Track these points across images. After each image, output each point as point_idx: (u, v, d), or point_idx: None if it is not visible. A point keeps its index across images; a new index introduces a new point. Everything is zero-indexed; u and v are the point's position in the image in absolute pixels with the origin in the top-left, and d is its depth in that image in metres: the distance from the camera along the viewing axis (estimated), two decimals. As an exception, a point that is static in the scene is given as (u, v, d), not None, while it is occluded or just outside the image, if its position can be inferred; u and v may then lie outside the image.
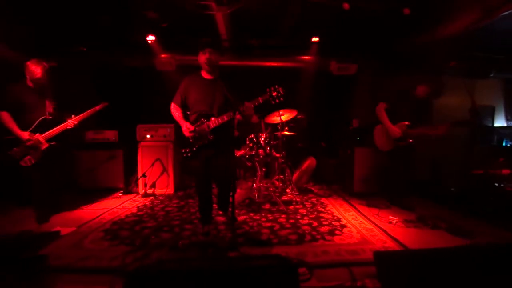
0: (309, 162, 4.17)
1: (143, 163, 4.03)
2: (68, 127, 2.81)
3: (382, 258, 1.76)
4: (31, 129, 2.67)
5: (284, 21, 3.80)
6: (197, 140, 2.44)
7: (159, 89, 5.01)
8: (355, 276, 1.79)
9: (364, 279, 1.77)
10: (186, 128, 2.45)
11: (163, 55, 4.51)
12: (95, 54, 4.46)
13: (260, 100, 2.32)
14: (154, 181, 4.03)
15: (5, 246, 2.23)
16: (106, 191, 4.03)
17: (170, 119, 4.15)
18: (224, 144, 2.45)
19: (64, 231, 2.58)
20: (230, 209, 2.53)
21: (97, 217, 3.03)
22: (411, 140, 3.14)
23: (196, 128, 2.42)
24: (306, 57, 4.67)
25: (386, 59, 4.57)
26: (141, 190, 3.96)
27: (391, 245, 2.32)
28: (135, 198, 3.83)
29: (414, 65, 4.10)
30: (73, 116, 2.87)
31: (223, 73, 2.58)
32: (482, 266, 1.65)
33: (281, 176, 3.78)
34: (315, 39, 4.27)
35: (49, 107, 2.78)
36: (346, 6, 3.12)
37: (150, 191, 3.98)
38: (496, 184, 3.37)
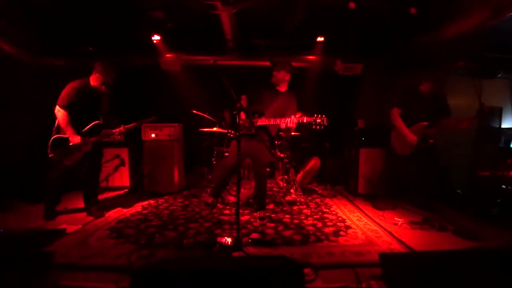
0: (314, 163, 4.16)
1: (148, 162, 4.05)
2: (117, 133, 3.01)
3: (388, 259, 1.75)
4: (84, 131, 2.80)
5: (289, 21, 3.79)
6: (244, 128, 2.84)
7: (164, 89, 5.05)
8: (360, 278, 1.77)
9: (369, 280, 1.75)
10: (242, 115, 2.83)
11: (168, 55, 4.53)
12: (101, 54, 4.50)
13: (305, 120, 2.58)
14: (158, 180, 4.05)
15: (12, 243, 2.25)
16: (111, 190, 4.06)
17: (175, 119, 4.21)
18: (263, 141, 2.84)
19: (70, 228, 2.60)
20: (260, 212, 2.95)
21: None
22: (431, 141, 3.06)
23: (247, 119, 2.80)
24: (311, 57, 4.65)
25: (393, 59, 4.53)
26: (146, 189, 3.98)
27: (396, 247, 2.30)
28: (140, 196, 3.85)
29: (421, 65, 4.05)
30: (122, 126, 3.05)
31: (227, 72, 2.62)
32: (489, 269, 1.63)
33: (285, 176, 3.77)
34: (320, 39, 4.25)
35: (103, 112, 2.94)
36: (352, 5, 3.10)
37: (155, 190, 4.00)
38: (504, 186, 3.33)
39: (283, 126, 2.71)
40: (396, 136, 3.34)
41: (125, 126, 3.06)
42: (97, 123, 2.87)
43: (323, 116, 2.53)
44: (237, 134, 2.47)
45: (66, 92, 2.71)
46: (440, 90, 3.19)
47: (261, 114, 2.79)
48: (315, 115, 2.54)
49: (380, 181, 3.66)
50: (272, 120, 2.74)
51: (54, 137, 2.74)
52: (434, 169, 3.16)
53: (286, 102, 2.89)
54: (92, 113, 2.87)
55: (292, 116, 2.63)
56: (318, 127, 2.53)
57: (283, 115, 2.74)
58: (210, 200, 2.97)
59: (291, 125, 2.64)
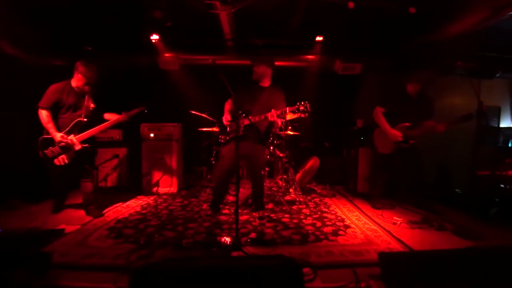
0: (313, 162, 4.16)
1: (147, 162, 4.04)
2: (120, 120, 3.06)
3: (387, 259, 1.75)
4: (66, 130, 2.81)
5: (288, 20, 3.79)
6: (232, 131, 2.80)
7: (162, 88, 5.05)
8: (360, 277, 1.77)
9: (368, 280, 1.75)
10: (225, 118, 2.84)
11: (166, 54, 4.52)
12: (100, 54, 4.49)
13: (288, 110, 2.52)
14: (157, 180, 4.05)
15: (11, 243, 2.25)
16: (110, 189, 4.05)
17: (174, 119, 4.21)
18: (255, 141, 2.81)
19: (69, 228, 2.60)
20: (260, 212, 2.94)
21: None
22: (412, 141, 3.10)
23: (234, 121, 2.76)
24: (310, 57, 4.64)
25: (392, 59, 4.53)
26: (144, 189, 3.98)
27: (395, 246, 2.30)
28: (139, 196, 3.85)
29: (420, 64, 4.05)
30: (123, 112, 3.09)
31: (226, 71, 2.61)
32: (487, 269, 1.64)
33: (284, 176, 3.77)
34: (319, 38, 4.25)
35: (87, 110, 2.92)
36: (351, 4, 3.10)
37: (153, 189, 4.00)
38: (502, 186, 3.34)
39: (268, 121, 2.65)
40: (377, 134, 3.37)
41: (125, 113, 3.10)
42: (78, 121, 2.85)
43: (306, 102, 2.45)
44: (237, 135, 2.46)
45: (46, 94, 2.79)
46: (426, 91, 3.18)
47: (247, 114, 2.67)
48: (298, 103, 2.47)
49: (370, 180, 3.68)
50: (257, 118, 2.68)
51: (41, 138, 2.79)
52: (413, 169, 3.19)
53: (271, 97, 2.82)
54: (74, 113, 2.88)
55: (272, 110, 2.57)
56: (303, 115, 2.48)
57: (270, 110, 2.64)
58: (209, 211, 2.98)
59: (271, 119, 2.59)
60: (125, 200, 3.66)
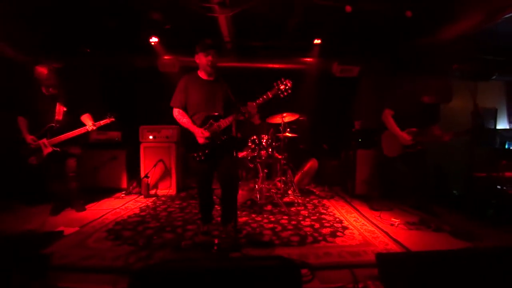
0: (311, 164, 4.17)
1: (146, 164, 4.05)
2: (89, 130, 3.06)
3: (385, 260, 1.77)
4: (37, 134, 2.94)
5: (287, 23, 3.82)
6: (210, 142, 2.38)
7: (162, 91, 5.04)
8: (357, 278, 1.79)
9: (367, 281, 1.77)
10: (202, 133, 2.34)
11: (166, 57, 4.54)
12: (98, 55, 4.50)
13: (270, 95, 2.27)
14: (156, 182, 4.05)
15: (10, 245, 2.24)
16: (109, 191, 4.05)
17: (173, 121, 4.20)
18: (229, 145, 2.45)
19: (68, 231, 2.60)
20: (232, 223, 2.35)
21: (100, 217, 3.05)
22: (419, 147, 3.10)
23: (209, 131, 2.37)
24: (308, 59, 4.68)
25: (389, 61, 4.57)
26: (143, 191, 3.98)
27: (393, 247, 2.32)
28: (138, 198, 3.85)
29: (417, 67, 4.08)
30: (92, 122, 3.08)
31: (225, 74, 2.61)
32: (485, 269, 1.65)
33: (283, 178, 3.78)
34: (317, 41, 4.28)
35: (59, 114, 3.00)
36: (348, 8, 3.13)
37: (152, 191, 4.00)
38: (499, 187, 3.36)
39: (244, 116, 2.32)
40: (386, 137, 3.35)
41: (94, 123, 3.08)
42: (50, 126, 2.95)
43: (284, 79, 2.25)
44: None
45: (21, 99, 3.00)
46: (447, 101, 3.09)
47: (218, 118, 2.39)
48: (275, 83, 2.27)
49: (370, 182, 3.69)
50: (230, 118, 2.33)
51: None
52: (419, 172, 3.18)
53: (224, 93, 2.51)
54: (46, 117, 2.96)
55: (248, 103, 2.29)
56: (286, 94, 2.26)
57: (224, 109, 2.41)
58: (205, 228, 2.59)
59: (252, 111, 2.31)
60: (123, 202, 3.66)
